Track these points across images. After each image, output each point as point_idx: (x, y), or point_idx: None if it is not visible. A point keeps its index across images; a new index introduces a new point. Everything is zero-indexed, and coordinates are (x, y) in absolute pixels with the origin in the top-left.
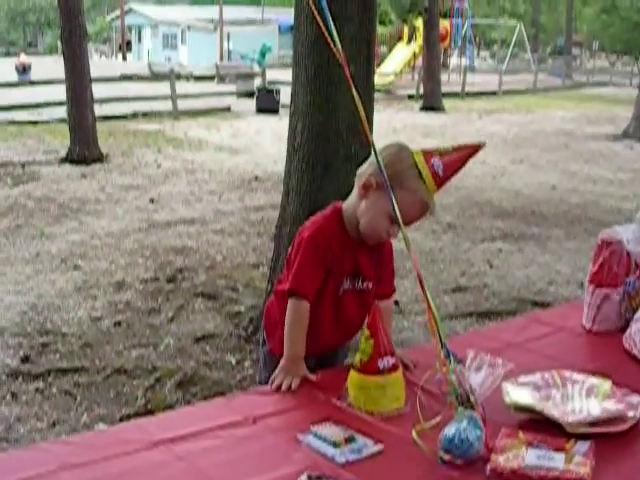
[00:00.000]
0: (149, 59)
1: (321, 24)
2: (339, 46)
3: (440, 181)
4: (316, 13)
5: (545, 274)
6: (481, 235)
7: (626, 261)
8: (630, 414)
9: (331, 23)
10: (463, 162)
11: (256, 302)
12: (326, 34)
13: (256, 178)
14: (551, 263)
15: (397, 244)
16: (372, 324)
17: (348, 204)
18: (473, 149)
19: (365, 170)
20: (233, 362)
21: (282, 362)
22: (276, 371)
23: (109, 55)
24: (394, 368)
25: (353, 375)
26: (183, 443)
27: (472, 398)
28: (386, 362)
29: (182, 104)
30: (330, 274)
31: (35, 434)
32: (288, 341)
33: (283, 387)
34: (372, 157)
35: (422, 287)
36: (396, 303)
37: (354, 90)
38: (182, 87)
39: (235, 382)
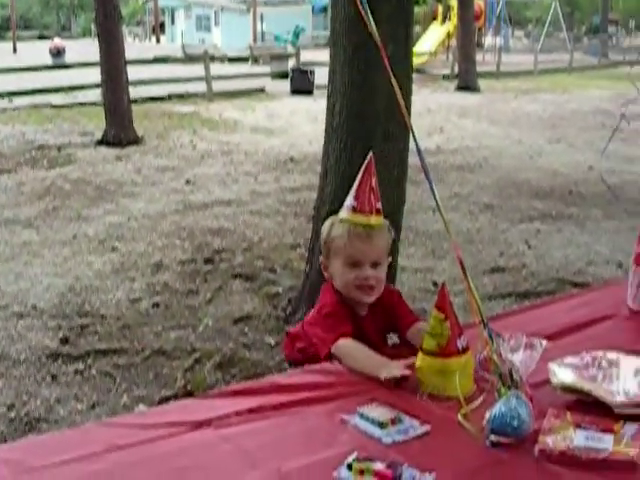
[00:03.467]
0: (183, 41)
1: (359, 4)
2: (374, 28)
3: (359, 208)
4: None
5: (584, 254)
6: (519, 215)
7: None
8: None
9: (366, 5)
10: (364, 179)
11: (294, 283)
12: (363, 15)
13: (291, 159)
14: (590, 243)
15: (437, 225)
16: (443, 306)
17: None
18: (366, 166)
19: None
20: (272, 343)
21: (379, 374)
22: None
23: (143, 38)
24: (468, 347)
25: (432, 362)
26: (228, 424)
27: (516, 377)
28: (463, 341)
29: (216, 86)
30: None
31: (75, 415)
32: (369, 365)
33: (403, 373)
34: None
35: (463, 269)
36: (434, 284)
37: (391, 73)
38: (216, 69)
39: (274, 363)
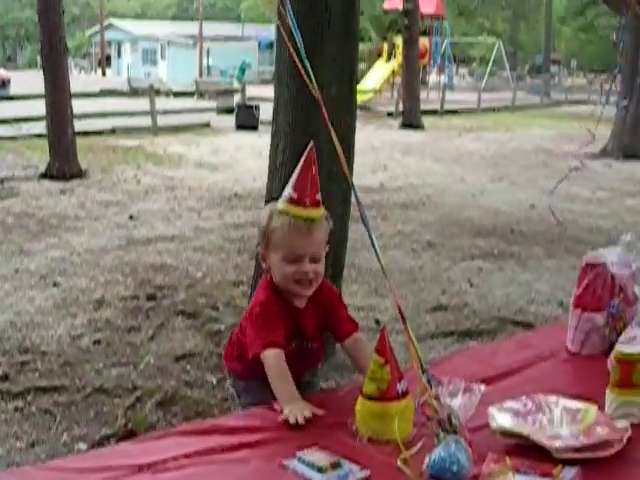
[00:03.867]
0: (129, 74)
1: (294, 56)
2: (311, 75)
3: (298, 199)
4: (292, 50)
5: (525, 293)
6: (461, 253)
7: (610, 284)
8: (616, 439)
9: (303, 53)
10: (305, 169)
11: (236, 321)
12: (299, 66)
13: (236, 195)
14: (531, 282)
15: (376, 264)
16: (383, 350)
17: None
18: (307, 154)
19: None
20: (214, 381)
21: (284, 407)
22: (283, 413)
23: (89, 70)
24: (408, 391)
25: (371, 406)
26: (166, 469)
27: (455, 422)
28: (403, 386)
29: (161, 120)
30: None
31: (14, 454)
32: (280, 392)
33: (299, 420)
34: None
35: (402, 317)
36: (377, 322)
37: (334, 134)
38: (162, 103)
39: (216, 401)
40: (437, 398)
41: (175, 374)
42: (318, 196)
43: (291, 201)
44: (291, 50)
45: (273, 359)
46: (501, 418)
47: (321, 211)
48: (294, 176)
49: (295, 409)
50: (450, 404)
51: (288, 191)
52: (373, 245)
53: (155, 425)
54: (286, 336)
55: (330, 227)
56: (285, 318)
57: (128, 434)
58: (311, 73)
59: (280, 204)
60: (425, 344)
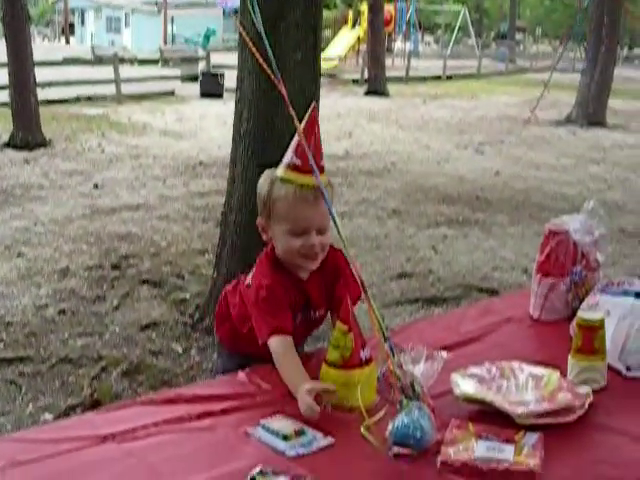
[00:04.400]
0: (92, 42)
1: (255, 53)
2: (275, 67)
3: (303, 166)
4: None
5: (490, 260)
6: (426, 221)
7: (573, 251)
8: (578, 404)
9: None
10: (308, 133)
11: (202, 289)
12: (261, 61)
13: (200, 163)
14: (495, 248)
15: (345, 232)
16: (346, 318)
17: (276, 248)
18: (309, 116)
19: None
20: (179, 350)
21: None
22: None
23: (52, 38)
24: (371, 358)
25: (335, 374)
26: (132, 438)
27: (417, 388)
28: (366, 353)
29: (126, 88)
30: None
31: None
32: (289, 380)
33: (313, 419)
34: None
35: (363, 286)
36: None
37: (292, 111)
38: (126, 71)
39: (182, 370)
40: (399, 365)
41: (140, 343)
42: (323, 162)
43: (295, 168)
44: (254, 19)
45: (280, 347)
46: (464, 384)
47: (326, 178)
48: (295, 141)
49: (305, 404)
50: (412, 371)
51: (290, 157)
52: (333, 219)
53: (121, 395)
54: (293, 312)
55: (334, 193)
56: (291, 293)
57: (94, 404)
58: (275, 68)
59: (281, 171)
60: (390, 311)
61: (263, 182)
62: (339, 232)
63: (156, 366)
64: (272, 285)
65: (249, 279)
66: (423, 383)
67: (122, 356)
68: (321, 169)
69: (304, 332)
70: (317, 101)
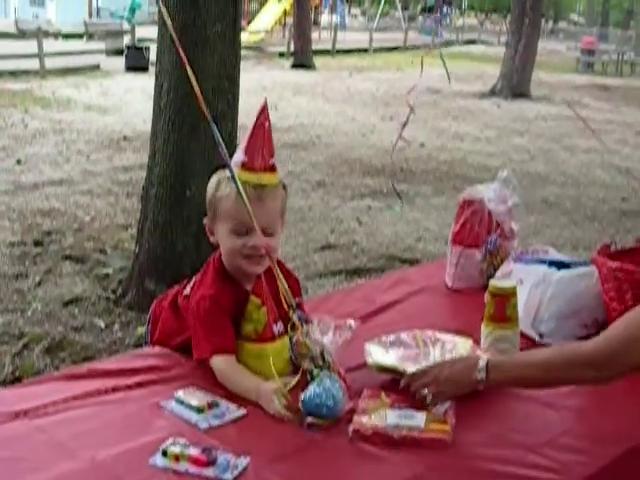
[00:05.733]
0: (16, 16)
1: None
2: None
3: (249, 163)
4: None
5: (413, 231)
6: (350, 192)
7: (487, 220)
8: None
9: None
10: (257, 129)
11: (125, 264)
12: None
13: (125, 138)
14: (419, 220)
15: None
16: (259, 292)
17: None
18: (260, 112)
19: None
20: (102, 326)
21: (261, 403)
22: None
23: None
24: (285, 331)
25: (249, 347)
26: (44, 414)
27: (328, 358)
28: (279, 327)
29: (50, 62)
30: None
31: None
32: (244, 391)
33: (287, 418)
34: None
35: (271, 259)
36: None
37: (200, 96)
38: (50, 45)
39: (104, 346)
40: (308, 336)
41: (63, 320)
42: (272, 160)
43: (241, 166)
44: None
45: (224, 365)
46: (377, 354)
47: (276, 177)
48: (245, 138)
49: (271, 405)
50: (322, 341)
51: (239, 155)
52: (241, 196)
53: (43, 372)
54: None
55: (287, 195)
56: (236, 308)
57: (15, 381)
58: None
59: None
60: (314, 283)
61: (212, 182)
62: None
63: (79, 342)
64: (216, 296)
65: (188, 289)
66: (332, 352)
67: (44, 333)
68: (271, 168)
69: None
70: (237, 73)
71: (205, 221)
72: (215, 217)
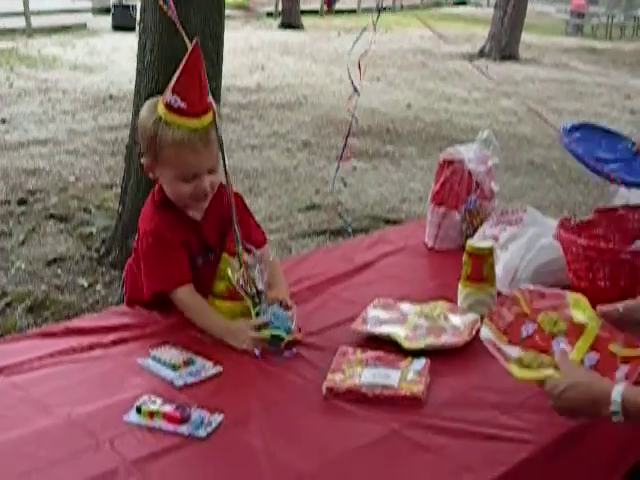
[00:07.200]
0: None
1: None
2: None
3: (189, 108)
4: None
5: (398, 192)
6: (336, 153)
7: (467, 180)
8: (466, 330)
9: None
10: (191, 70)
11: (108, 223)
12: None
13: (111, 97)
14: (404, 181)
15: (256, 163)
16: (231, 250)
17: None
18: (192, 52)
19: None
20: (85, 285)
21: (227, 341)
22: (234, 346)
23: None
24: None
25: (221, 305)
26: (20, 371)
27: (262, 288)
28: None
29: (36, 21)
30: None
31: None
32: (211, 327)
33: (257, 352)
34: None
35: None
36: None
37: (186, 38)
38: (36, 3)
39: (87, 305)
40: (248, 275)
41: (46, 279)
42: (209, 98)
43: (180, 112)
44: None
45: (188, 298)
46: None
47: (211, 114)
48: (177, 79)
49: (241, 339)
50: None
51: (173, 98)
52: (223, 156)
53: (25, 330)
54: (191, 255)
55: (218, 112)
56: (185, 235)
57: None
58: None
59: (163, 111)
60: (298, 243)
61: (146, 119)
62: (226, 170)
63: (61, 301)
64: (157, 229)
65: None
66: (262, 281)
67: (27, 292)
68: (208, 108)
69: (207, 276)
70: (221, 32)
71: (143, 160)
72: (156, 159)
